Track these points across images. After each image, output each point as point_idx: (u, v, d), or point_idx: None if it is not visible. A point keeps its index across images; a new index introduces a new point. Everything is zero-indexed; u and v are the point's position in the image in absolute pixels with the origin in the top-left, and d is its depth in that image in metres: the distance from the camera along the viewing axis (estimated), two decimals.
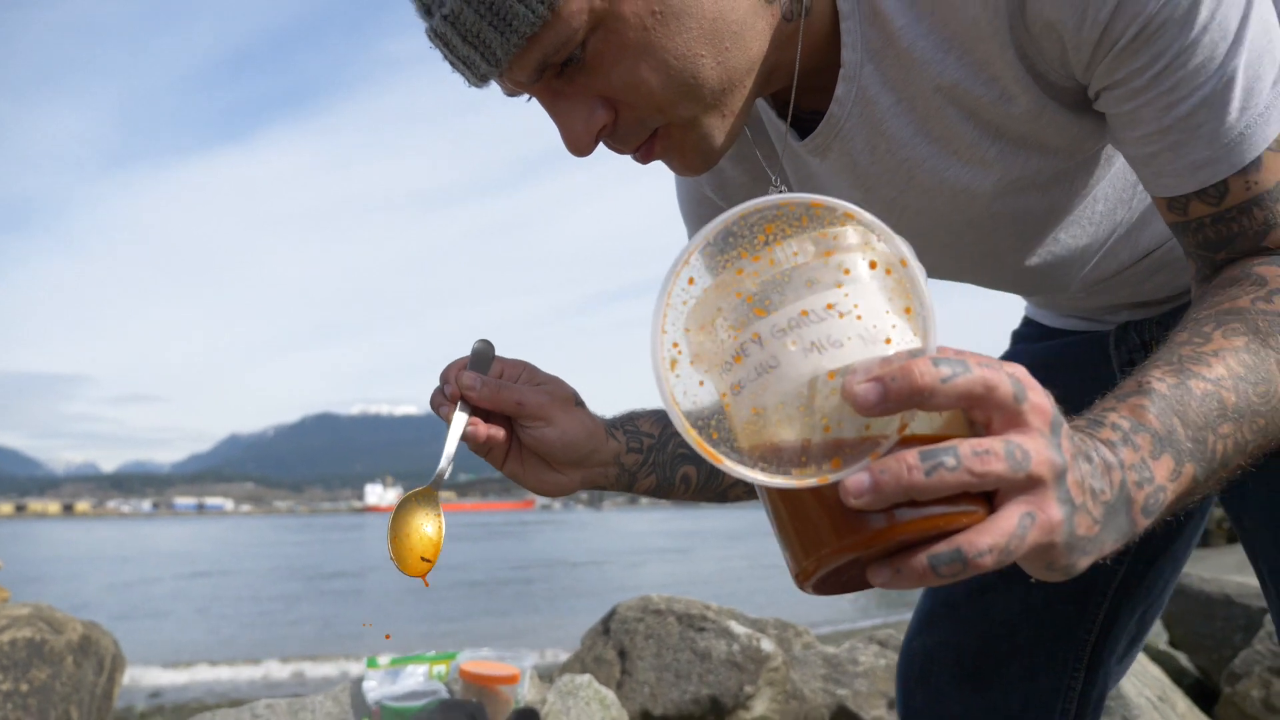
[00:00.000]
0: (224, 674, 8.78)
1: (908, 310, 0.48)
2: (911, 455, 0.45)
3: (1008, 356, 1.17)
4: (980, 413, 0.47)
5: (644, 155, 0.74)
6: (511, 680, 1.72)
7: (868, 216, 0.48)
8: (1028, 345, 1.14)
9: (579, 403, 0.81)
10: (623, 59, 0.66)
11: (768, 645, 2.44)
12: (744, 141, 0.87)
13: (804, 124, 0.81)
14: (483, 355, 0.77)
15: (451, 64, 0.68)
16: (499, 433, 0.77)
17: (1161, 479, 0.56)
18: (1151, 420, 0.57)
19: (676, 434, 0.83)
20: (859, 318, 0.48)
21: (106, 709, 2.51)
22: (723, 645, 2.41)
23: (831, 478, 0.46)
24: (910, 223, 0.84)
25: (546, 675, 2.49)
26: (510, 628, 11.33)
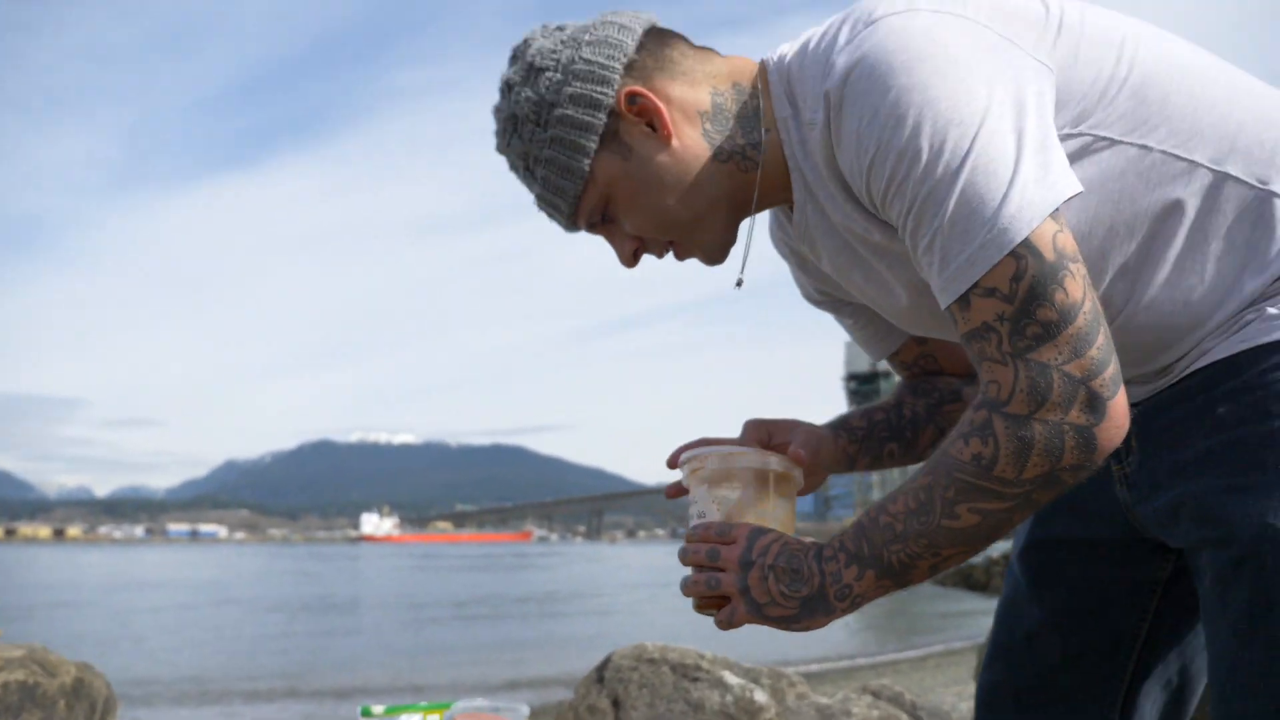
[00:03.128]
0: (216, 713, 8.69)
1: (717, 508, 1.07)
2: (691, 572, 1.03)
3: None
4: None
5: (676, 258, 1.10)
6: None
7: (708, 468, 1.09)
8: None
9: (819, 433, 1.18)
10: (628, 215, 1.06)
11: (761, 696, 2.43)
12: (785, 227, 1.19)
13: None
14: None
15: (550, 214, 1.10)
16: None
17: (848, 579, 0.95)
18: (849, 544, 0.95)
19: (880, 421, 1.23)
20: (701, 514, 1.08)
21: None
22: (716, 696, 2.41)
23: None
24: (873, 299, 1.11)
25: (541, 719, 2.47)
26: (506, 665, 11.24)
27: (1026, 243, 0.81)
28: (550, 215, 1.09)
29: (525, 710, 2.03)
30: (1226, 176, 0.92)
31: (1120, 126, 0.92)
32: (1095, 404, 0.84)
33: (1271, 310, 0.92)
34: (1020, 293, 0.82)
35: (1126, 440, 1.03)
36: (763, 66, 1.05)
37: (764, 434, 1.15)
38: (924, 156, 0.83)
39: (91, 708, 2.45)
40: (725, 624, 1.01)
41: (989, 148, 0.82)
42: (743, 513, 1.05)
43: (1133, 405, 1.04)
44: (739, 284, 1.13)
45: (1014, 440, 0.85)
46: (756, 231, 1.13)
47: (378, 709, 1.96)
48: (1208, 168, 0.92)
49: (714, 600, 1.02)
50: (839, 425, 1.21)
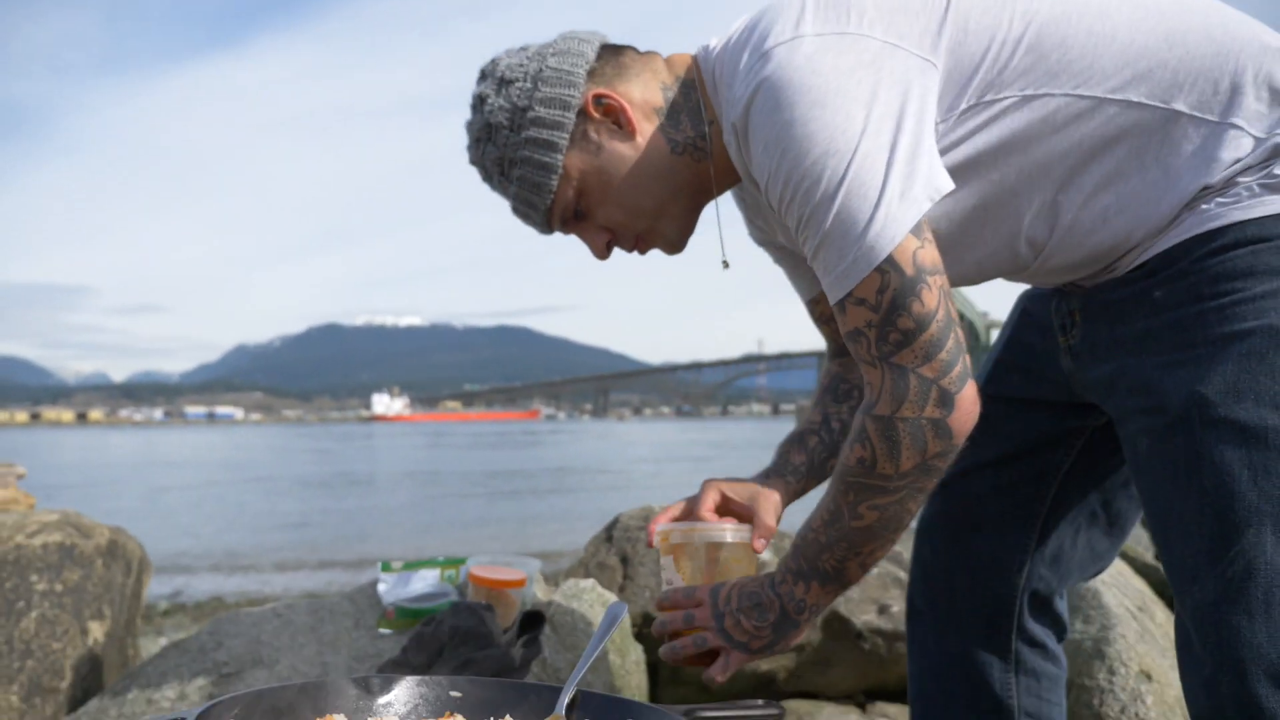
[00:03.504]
0: (244, 579, 9.09)
1: (683, 575, 1.25)
2: (675, 639, 1.21)
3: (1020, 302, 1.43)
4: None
5: (640, 250, 1.23)
6: (519, 584, 1.81)
7: (671, 541, 1.28)
8: (1028, 294, 1.37)
9: (773, 498, 1.34)
10: (600, 206, 1.17)
11: (765, 555, 2.54)
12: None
13: None
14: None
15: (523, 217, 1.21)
16: None
17: (800, 595, 1.13)
18: (791, 564, 1.14)
19: (816, 446, 1.39)
20: (669, 580, 1.26)
21: (136, 608, 2.64)
22: None
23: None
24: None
25: (552, 580, 2.60)
26: (517, 536, 11.63)
27: (890, 259, 0.95)
28: (526, 217, 1.20)
29: (536, 564, 2.13)
30: (1129, 104, 0.99)
31: (1021, 83, 1.00)
32: (946, 399, 0.99)
33: (1205, 206, 1.00)
34: (884, 304, 0.96)
35: (1071, 315, 1.16)
36: (696, 62, 1.18)
37: (719, 498, 1.33)
38: (805, 184, 0.96)
39: (127, 567, 2.57)
40: (722, 673, 1.16)
41: (861, 172, 0.94)
42: (704, 580, 1.23)
43: (1078, 286, 1.15)
44: (725, 265, 1.26)
45: (884, 441, 1.01)
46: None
47: (396, 564, 2.07)
48: (1110, 99, 0.99)
49: (704, 657, 1.17)
50: (783, 469, 1.39)
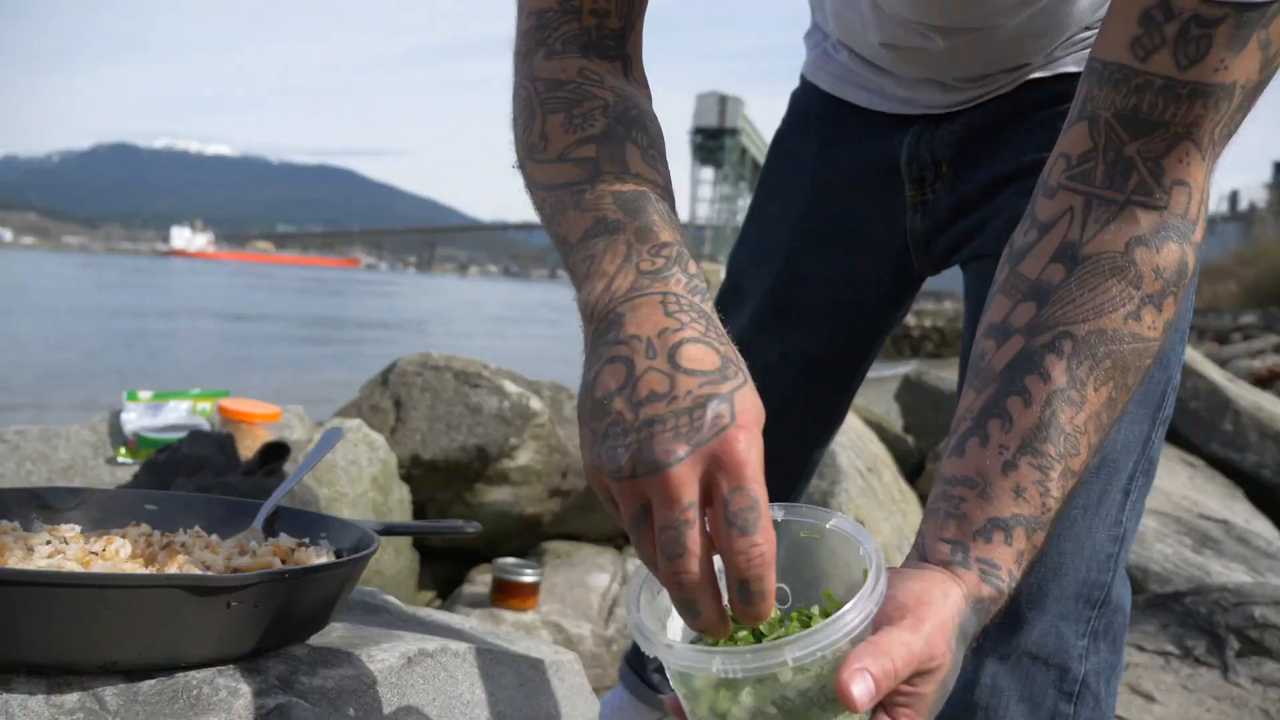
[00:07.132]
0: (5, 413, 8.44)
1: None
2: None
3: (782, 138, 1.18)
4: None
5: None
6: (271, 418, 1.80)
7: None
8: (820, 151, 1.12)
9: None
10: None
11: (536, 404, 2.63)
12: None
13: None
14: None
15: None
16: None
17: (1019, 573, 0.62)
18: (1017, 555, 0.61)
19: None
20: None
21: None
22: (494, 401, 2.58)
23: None
24: None
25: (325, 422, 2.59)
26: (311, 381, 11.32)
27: None
28: None
29: (301, 407, 2.13)
30: None
31: None
32: None
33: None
34: None
35: (936, 165, 1.00)
36: None
37: None
38: None
39: None
40: None
41: None
42: None
43: (945, 117, 0.98)
44: None
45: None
46: None
47: (145, 394, 2.00)
48: None
49: None
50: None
